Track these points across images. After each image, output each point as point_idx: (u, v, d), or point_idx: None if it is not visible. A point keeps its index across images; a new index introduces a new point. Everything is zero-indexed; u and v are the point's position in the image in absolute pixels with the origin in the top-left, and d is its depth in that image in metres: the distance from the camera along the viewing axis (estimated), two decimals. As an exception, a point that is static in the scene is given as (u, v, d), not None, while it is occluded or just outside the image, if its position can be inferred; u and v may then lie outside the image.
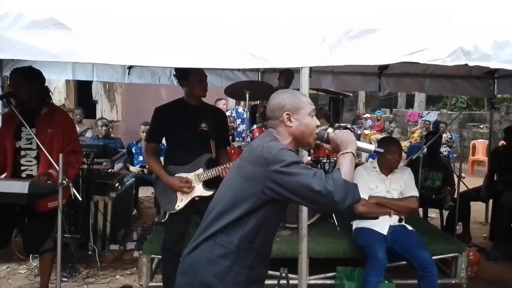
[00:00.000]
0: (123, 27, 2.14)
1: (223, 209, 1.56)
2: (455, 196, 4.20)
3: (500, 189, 4.49)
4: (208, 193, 2.76)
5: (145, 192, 5.92)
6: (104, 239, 4.00)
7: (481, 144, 9.70)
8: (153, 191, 5.27)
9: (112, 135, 5.77)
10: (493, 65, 2.21)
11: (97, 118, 6.73)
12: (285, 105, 1.64)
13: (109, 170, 4.37)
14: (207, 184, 2.78)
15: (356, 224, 3.16)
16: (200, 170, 2.77)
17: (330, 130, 1.68)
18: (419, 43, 2.17)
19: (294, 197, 1.48)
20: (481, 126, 11.57)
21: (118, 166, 5.18)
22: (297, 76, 2.31)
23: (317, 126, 1.67)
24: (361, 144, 1.66)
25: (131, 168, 5.35)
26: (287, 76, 4.38)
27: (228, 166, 2.73)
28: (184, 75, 2.77)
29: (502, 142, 5.68)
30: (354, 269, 3.13)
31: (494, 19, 2.19)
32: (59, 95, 7.78)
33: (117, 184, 4.18)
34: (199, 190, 2.77)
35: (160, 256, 3.07)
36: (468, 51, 2.15)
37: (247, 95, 3.72)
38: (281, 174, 1.46)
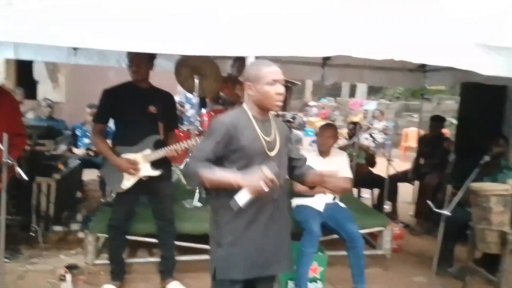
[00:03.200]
0: (69, 5, 2.05)
1: None
2: (386, 177, 4.58)
3: (425, 171, 5.00)
4: (156, 173, 2.85)
5: (90, 175, 5.82)
6: (47, 221, 3.96)
7: (413, 132, 10.47)
8: (98, 174, 5.21)
9: (53, 117, 5.59)
10: (417, 60, 2.47)
11: (40, 99, 6.47)
12: (248, 76, 1.86)
13: (53, 152, 4.30)
14: (155, 164, 2.87)
15: (295, 202, 3.42)
16: (148, 151, 2.84)
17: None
18: (353, 37, 2.36)
19: None
20: (414, 116, 12.45)
21: (61, 148, 5.06)
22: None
23: (278, 94, 1.81)
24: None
25: (75, 150, 5.26)
26: (239, 65, 4.40)
27: (175, 147, 2.80)
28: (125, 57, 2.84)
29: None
30: (293, 242, 3.39)
31: (419, 16, 2.36)
32: (-2, 75, 7.38)
33: (61, 166, 4.14)
34: (147, 170, 2.84)
35: (106, 235, 3.13)
36: (396, 47, 2.37)
37: (195, 80, 3.82)
38: None
